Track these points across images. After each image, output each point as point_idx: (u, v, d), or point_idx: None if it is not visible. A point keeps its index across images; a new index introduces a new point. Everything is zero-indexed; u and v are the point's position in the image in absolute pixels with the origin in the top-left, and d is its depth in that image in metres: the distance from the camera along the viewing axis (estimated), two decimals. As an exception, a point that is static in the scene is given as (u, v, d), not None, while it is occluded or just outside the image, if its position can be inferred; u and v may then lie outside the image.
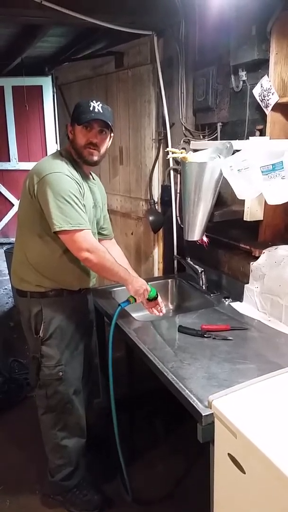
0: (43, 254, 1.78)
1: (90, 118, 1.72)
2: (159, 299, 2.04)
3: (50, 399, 1.87)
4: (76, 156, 1.81)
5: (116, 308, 1.88)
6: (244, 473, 1.15)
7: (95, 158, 1.80)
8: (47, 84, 5.51)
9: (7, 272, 4.51)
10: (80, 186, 1.75)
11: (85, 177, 1.86)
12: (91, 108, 1.72)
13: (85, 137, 1.76)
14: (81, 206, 1.71)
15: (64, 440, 1.94)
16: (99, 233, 2.06)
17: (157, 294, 2.02)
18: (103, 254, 1.76)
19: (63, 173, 1.69)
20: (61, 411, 1.90)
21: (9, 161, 6.05)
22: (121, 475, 1.89)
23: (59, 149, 1.95)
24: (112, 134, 1.84)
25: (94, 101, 1.74)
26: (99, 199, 1.98)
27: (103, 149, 1.81)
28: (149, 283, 1.99)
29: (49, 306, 1.82)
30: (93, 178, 1.97)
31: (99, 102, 1.75)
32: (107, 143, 1.83)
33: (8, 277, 4.51)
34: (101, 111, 1.73)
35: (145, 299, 1.95)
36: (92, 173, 1.97)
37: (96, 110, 1.73)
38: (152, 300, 2.00)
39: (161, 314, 2.08)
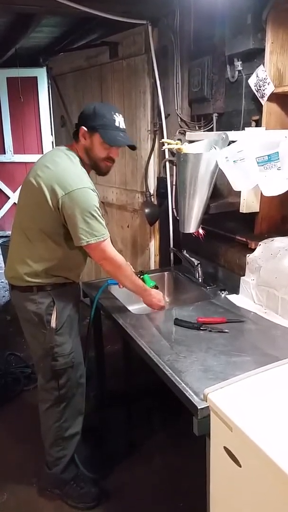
0: (56, 256, 1.79)
1: (120, 141, 1.74)
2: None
3: (61, 389, 1.89)
4: (89, 163, 1.80)
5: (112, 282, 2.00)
6: (240, 466, 1.15)
7: (109, 170, 1.85)
8: (42, 75, 5.45)
9: (3, 265, 4.49)
10: (98, 195, 1.75)
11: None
12: (117, 124, 1.73)
13: (106, 152, 1.77)
14: (102, 216, 1.74)
15: (68, 431, 1.95)
16: None
17: (156, 286, 2.06)
18: (118, 265, 1.84)
19: (88, 188, 1.69)
20: (69, 399, 1.92)
21: (4, 153, 5.99)
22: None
23: (64, 145, 1.88)
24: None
25: (117, 114, 1.74)
26: None
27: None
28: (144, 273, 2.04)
29: (59, 296, 1.85)
30: None
31: (121, 116, 1.76)
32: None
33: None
34: (125, 128, 1.76)
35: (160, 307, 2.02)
36: None
37: (121, 127, 1.75)
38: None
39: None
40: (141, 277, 2.10)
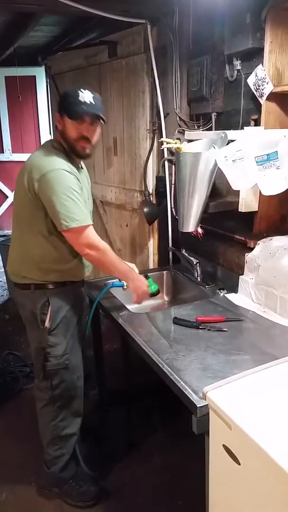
0: (47, 251, 1.77)
1: (81, 112, 1.68)
2: None
3: (55, 390, 1.88)
4: (68, 149, 1.77)
5: (115, 283, 1.96)
6: (239, 464, 1.15)
7: (88, 151, 1.78)
8: (40, 74, 5.44)
9: (2, 264, 4.48)
10: (78, 180, 1.73)
11: (78, 168, 1.84)
12: (81, 99, 1.68)
13: (76, 130, 1.72)
14: (82, 201, 1.70)
15: (65, 430, 1.94)
16: None
17: (158, 292, 2.01)
18: (103, 251, 1.77)
19: (64, 170, 1.66)
20: (65, 401, 1.91)
21: (3, 152, 5.98)
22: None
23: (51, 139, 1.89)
24: (103, 123, 1.79)
25: (83, 90, 1.69)
26: (88, 186, 1.96)
27: (95, 141, 1.78)
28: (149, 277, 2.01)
29: (55, 296, 1.83)
30: (82, 167, 1.94)
31: (89, 92, 1.70)
32: (99, 133, 1.80)
33: (3, 269, 4.49)
34: (93, 103, 1.69)
35: (142, 299, 1.96)
36: (81, 162, 1.94)
37: (88, 102, 1.68)
38: (151, 296, 2.00)
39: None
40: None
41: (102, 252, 1.77)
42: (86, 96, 1.69)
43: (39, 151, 1.77)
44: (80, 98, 1.68)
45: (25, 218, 1.77)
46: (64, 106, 1.72)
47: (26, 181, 1.69)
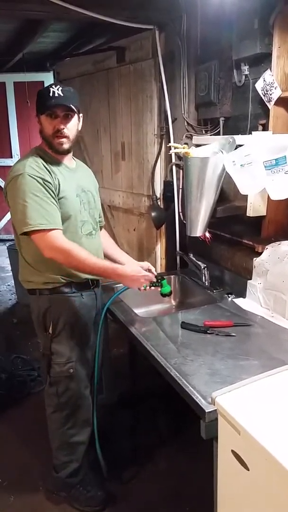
0: (37, 253, 1.72)
1: (50, 104, 1.67)
2: (152, 269, 1.95)
3: (61, 397, 1.86)
4: (47, 147, 1.76)
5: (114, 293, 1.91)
6: (248, 470, 1.15)
7: (65, 146, 1.75)
8: (48, 80, 5.48)
9: (10, 268, 4.51)
10: (49, 181, 1.68)
11: (60, 166, 1.78)
12: (51, 94, 1.66)
13: (51, 126, 1.71)
14: (45, 205, 1.64)
15: (74, 438, 1.93)
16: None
17: (170, 292, 1.96)
18: (69, 252, 1.66)
19: (24, 173, 1.64)
20: (72, 409, 1.89)
21: (12, 157, 6.04)
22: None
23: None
24: (80, 115, 1.78)
25: (53, 86, 1.69)
26: (86, 183, 1.90)
27: (72, 134, 1.75)
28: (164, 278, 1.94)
29: (58, 303, 1.81)
30: (75, 164, 1.91)
31: (58, 86, 1.69)
32: (76, 126, 1.77)
33: (11, 273, 4.52)
34: (62, 94, 1.67)
35: (138, 285, 1.82)
36: (75, 159, 1.92)
37: (56, 95, 1.66)
38: (164, 295, 1.96)
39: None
40: (161, 282, 1.92)
41: (67, 254, 1.66)
42: (56, 90, 1.67)
43: (20, 158, 1.79)
44: (50, 93, 1.67)
45: (15, 223, 1.77)
46: (38, 104, 1.72)
47: (4, 188, 1.74)
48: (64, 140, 1.73)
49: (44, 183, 1.66)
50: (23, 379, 2.88)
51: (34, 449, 2.28)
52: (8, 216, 6.24)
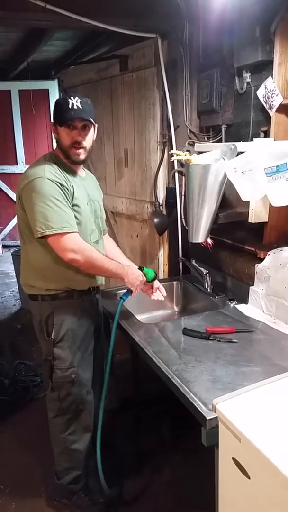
0: (46, 259, 1.76)
1: (70, 117, 1.70)
2: (159, 284, 2.05)
3: (62, 402, 1.87)
4: (63, 157, 1.79)
5: (118, 302, 1.89)
6: (249, 478, 1.14)
7: (82, 157, 1.78)
8: (53, 88, 5.55)
9: (15, 274, 4.53)
10: (66, 187, 1.72)
11: (74, 175, 1.82)
12: (70, 106, 1.69)
13: (69, 137, 1.74)
14: (65, 209, 1.68)
15: (74, 444, 1.93)
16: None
17: (156, 276, 2.00)
18: (89, 253, 1.73)
19: (44, 177, 1.67)
20: (74, 414, 1.90)
21: (17, 164, 6.09)
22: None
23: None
24: (96, 126, 1.80)
25: (72, 97, 1.71)
26: (93, 193, 1.93)
27: (89, 145, 1.79)
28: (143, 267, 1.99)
29: (60, 309, 1.82)
30: (85, 173, 1.94)
31: (77, 98, 1.72)
32: (92, 137, 1.80)
33: (16, 279, 4.54)
34: (81, 107, 1.70)
35: (139, 289, 1.94)
36: (83, 168, 1.94)
37: (75, 107, 1.69)
38: (151, 281, 1.99)
39: (162, 298, 2.07)
40: (142, 271, 1.96)
41: (86, 254, 1.71)
42: (75, 102, 1.70)
43: (34, 162, 1.80)
44: (69, 105, 1.70)
45: (23, 228, 1.79)
46: (56, 115, 1.75)
47: (18, 191, 1.74)
48: (81, 151, 1.77)
49: (61, 188, 1.70)
50: (26, 385, 2.89)
51: (36, 455, 2.28)
52: (12, 223, 6.28)
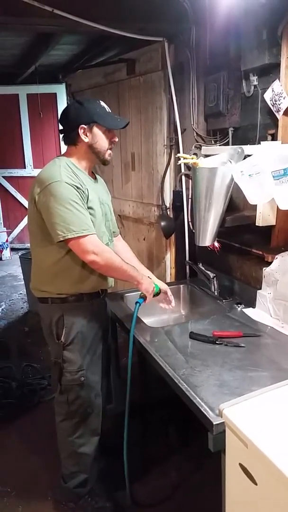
0: (59, 263, 1.77)
1: (122, 124, 1.81)
2: (169, 292, 2.08)
3: (71, 405, 1.87)
4: (95, 158, 1.83)
5: (135, 306, 1.89)
6: (256, 484, 1.13)
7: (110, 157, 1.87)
8: (61, 92, 5.58)
9: (22, 277, 4.55)
10: (82, 190, 1.73)
11: (87, 178, 1.83)
12: (107, 110, 1.80)
13: (108, 139, 1.80)
14: (83, 211, 1.70)
15: (82, 448, 1.93)
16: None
17: (159, 291, 2.02)
18: (109, 255, 1.75)
19: (61, 181, 1.67)
20: (82, 417, 1.90)
21: (25, 168, 6.13)
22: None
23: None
24: None
25: (102, 102, 1.81)
26: (103, 196, 1.95)
27: None
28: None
29: (70, 312, 1.83)
30: (95, 177, 1.95)
31: (103, 103, 1.82)
32: None
33: (23, 282, 4.56)
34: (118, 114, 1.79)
35: (151, 298, 1.97)
36: (93, 172, 1.96)
37: (111, 112, 1.81)
38: (155, 295, 2.00)
39: (171, 306, 2.09)
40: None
41: (106, 256, 1.73)
42: (106, 106, 1.81)
43: (47, 165, 1.80)
44: (107, 110, 1.79)
45: (36, 231, 1.80)
46: (94, 117, 1.75)
47: (32, 195, 1.74)
48: (112, 152, 1.85)
49: (78, 191, 1.71)
50: (34, 388, 2.90)
51: (43, 458, 2.28)
52: (21, 226, 6.32)
